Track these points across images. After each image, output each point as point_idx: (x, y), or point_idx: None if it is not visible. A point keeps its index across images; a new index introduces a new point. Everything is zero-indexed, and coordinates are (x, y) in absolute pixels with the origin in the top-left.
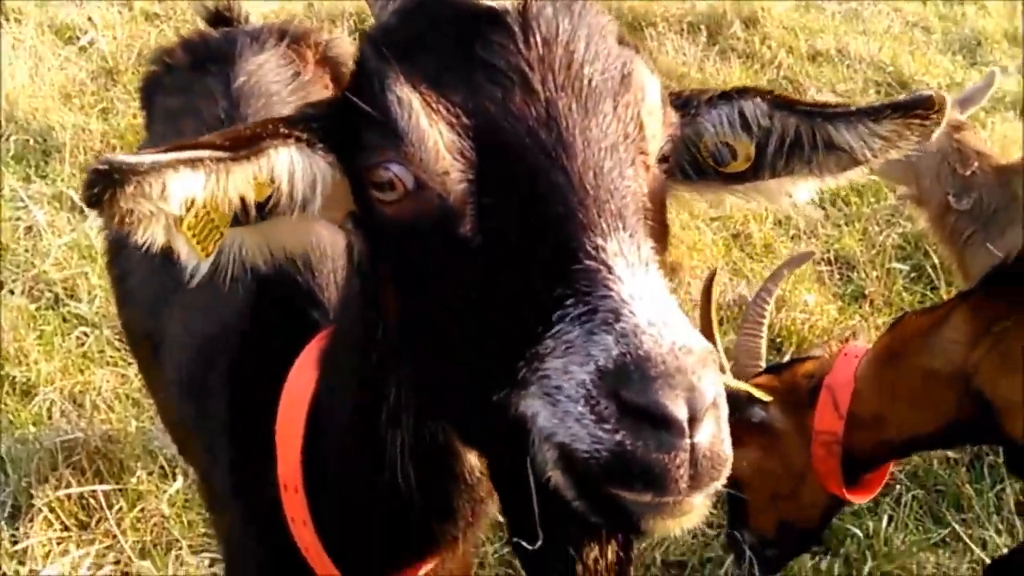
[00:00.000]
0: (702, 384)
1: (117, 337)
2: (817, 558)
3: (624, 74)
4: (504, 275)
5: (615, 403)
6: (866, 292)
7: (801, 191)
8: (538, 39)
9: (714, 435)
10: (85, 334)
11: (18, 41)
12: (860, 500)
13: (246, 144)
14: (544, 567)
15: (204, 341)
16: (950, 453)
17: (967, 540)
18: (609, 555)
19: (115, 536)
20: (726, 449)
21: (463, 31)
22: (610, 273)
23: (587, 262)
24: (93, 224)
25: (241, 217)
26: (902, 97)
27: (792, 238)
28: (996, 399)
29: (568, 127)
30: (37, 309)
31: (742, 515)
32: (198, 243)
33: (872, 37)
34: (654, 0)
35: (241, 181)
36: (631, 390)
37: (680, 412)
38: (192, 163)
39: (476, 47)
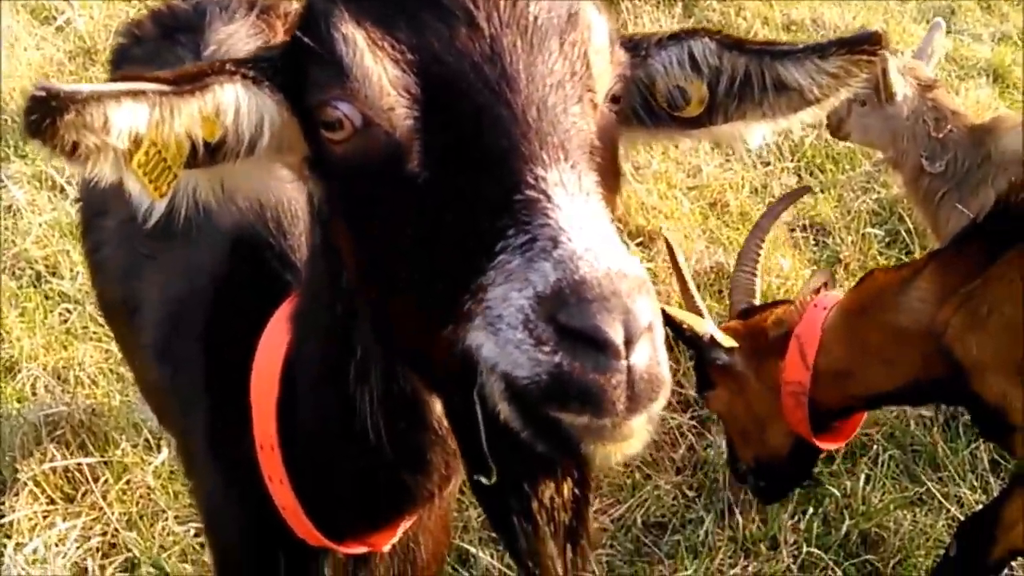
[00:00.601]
0: (636, 307)
1: (100, 313)
2: (796, 517)
3: (571, 13)
4: (449, 209)
5: (553, 327)
6: (841, 257)
7: (754, 134)
8: None
9: (651, 357)
10: (68, 311)
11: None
12: (830, 447)
13: (191, 80)
14: (501, 505)
15: (179, 304)
16: (925, 412)
17: (942, 499)
18: (565, 493)
19: (101, 508)
20: (663, 372)
21: None
22: (549, 202)
23: (527, 192)
24: (74, 203)
25: (190, 159)
26: (847, 35)
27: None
28: (964, 359)
29: (512, 63)
30: (19, 287)
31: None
32: (150, 182)
33: (847, 7)
34: None
35: (187, 117)
36: (568, 313)
37: (616, 334)
38: (134, 95)
39: None
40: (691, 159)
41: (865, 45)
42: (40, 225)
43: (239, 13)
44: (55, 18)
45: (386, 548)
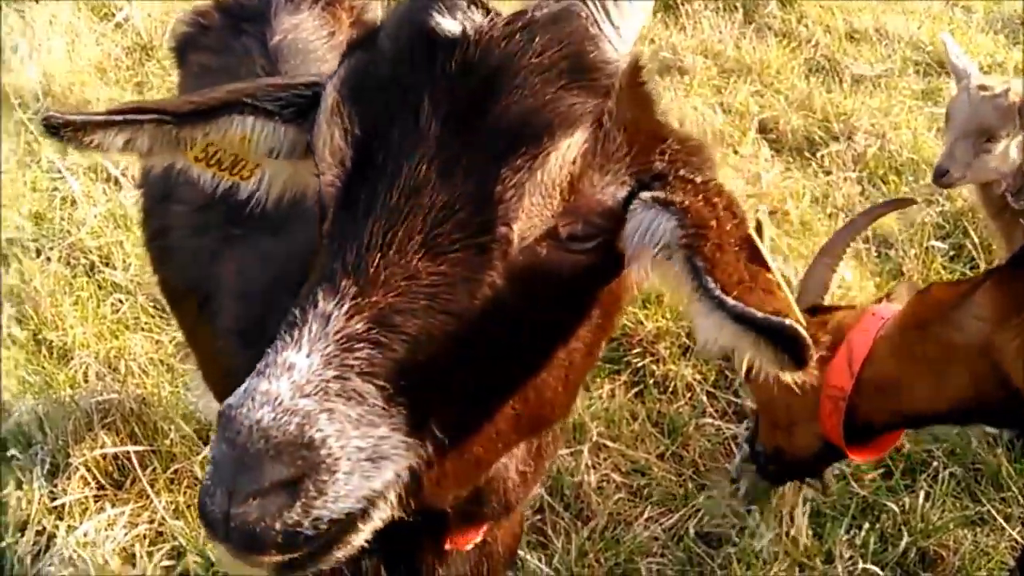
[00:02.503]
0: (258, 469)
1: (151, 304)
2: (852, 532)
3: (535, 133)
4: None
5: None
6: (904, 270)
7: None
8: (455, 68)
9: (262, 517)
10: (120, 301)
11: (55, 18)
12: (860, 459)
13: (202, 114)
14: None
15: (267, 288)
16: (988, 430)
17: (1004, 520)
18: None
19: (149, 496)
20: (283, 535)
21: (409, 48)
22: (299, 330)
23: (296, 310)
24: (128, 195)
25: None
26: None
27: (830, 216)
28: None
29: (411, 167)
30: (74, 276)
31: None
32: (222, 170)
33: (911, 16)
34: None
35: (199, 139)
36: (215, 439)
37: (220, 478)
38: (130, 124)
39: (401, 66)
40: (751, 166)
41: (776, 336)
42: (95, 216)
43: (305, 4)
44: (114, 15)
45: (468, 547)
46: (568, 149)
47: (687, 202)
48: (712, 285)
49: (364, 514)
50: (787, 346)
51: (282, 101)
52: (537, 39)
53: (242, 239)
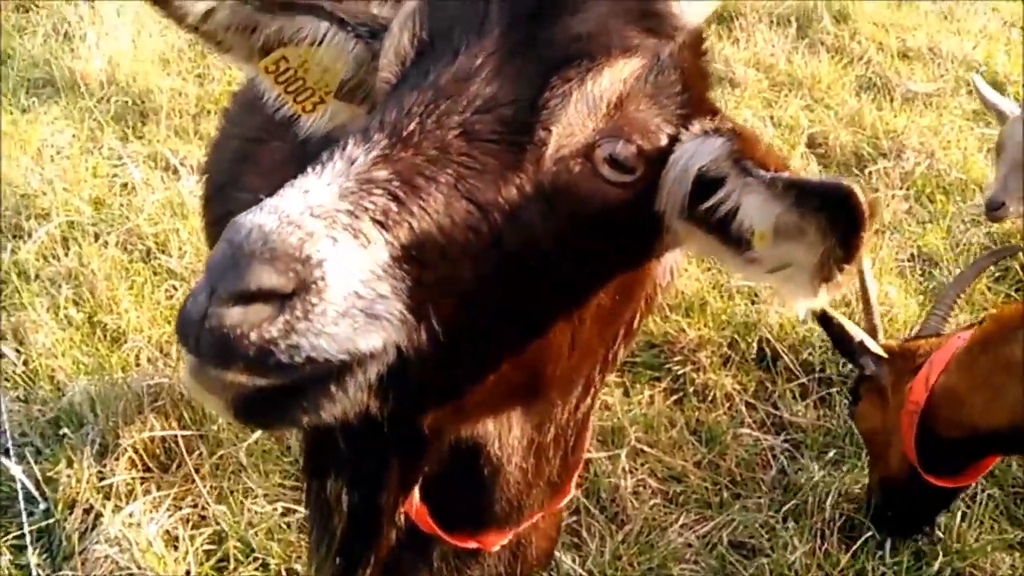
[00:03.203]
0: (248, 268)
1: None
2: (887, 549)
3: (591, 51)
4: None
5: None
6: None
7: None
8: None
9: (240, 324)
10: (174, 287)
11: (122, 8)
12: (939, 483)
13: (278, 5)
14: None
15: None
16: None
17: None
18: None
19: (193, 480)
20: (255, 348)
21: None
22: (322, 165)
23: (326, 153)
24: (186, 184)
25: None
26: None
27: (876, 232)
28: None
29: (468, 58)
30: (130, 261)
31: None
32: (288, 93)
33: (966, 36)
34: None
35: (274, 31)
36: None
37: (210, 273)
38: None
39: None
40: None
41: (828, 198)
42: (153, 203)
43: None
44: None
45: (495, 548)
46: (623, 68)
47: (737, 130)
48: (763, 172)
49: (340, 377)
50: (843, 203)
51: (359, 19)
52: None
53: None
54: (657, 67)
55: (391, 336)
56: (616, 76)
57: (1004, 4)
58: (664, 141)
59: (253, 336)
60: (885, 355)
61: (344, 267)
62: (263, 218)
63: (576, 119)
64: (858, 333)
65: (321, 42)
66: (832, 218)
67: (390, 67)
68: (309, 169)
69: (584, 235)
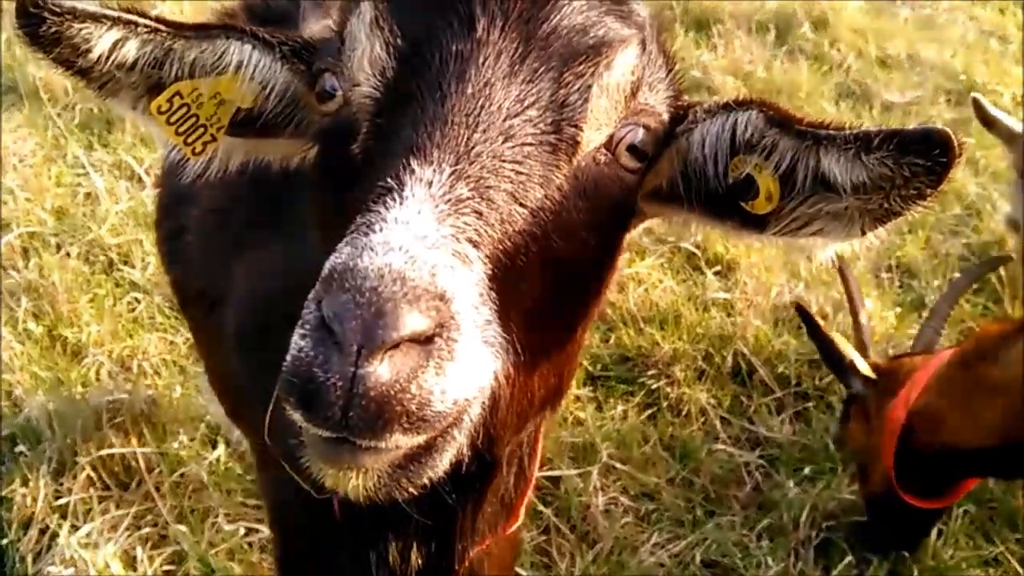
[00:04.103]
0: (394, 312)
1: (167, 304)
2: (861, 565)
3: (592, 44)
4: (353, 177)
5: (317, 310)
6: (926, 301)
7: (815, 251)
8: None
9: (399, 376)
10: (137, 300)
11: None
12: (915, 502)
13: (194, 29)
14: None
15: (271, 295)
16: None
17: (1018, 563)
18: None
19: (153, 499)
20: (417, 399)
21: None
22: (399, 194)
23: (390, 179)
24: (151, 193)
25: (237, 129)
26: (908, 128)
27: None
28: None
29: (478, 68)
30: (92, 273)
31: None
32: (179, 135)
33: (945, 44)
34: None
35: (188, 63)
36: (327, 300)
37: (347, 331)
38: (123, 23)
39: None
40: None
41: (922, 146)
42: (116, 213)
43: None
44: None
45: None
46: (627, 58)
47: (762, 100)
48: (834, 131)
49: (459, 420)
50: (943, 145)
51: (281, 38)
52: None
53: (256, 246)
54: (647, 54)
55: (495, 363)
56: (626, 66)
57: (983, 13)
58: (667, 125)
59: (413, 389)
60: (873, 376)
61: (466, 297)
62: (388, 258)
63: (601, 113)
64: (849, 352)
65: (245, 67)
66: (929, 160)
67: (368, 80)
68: (385, 201)
69: (608, 224)
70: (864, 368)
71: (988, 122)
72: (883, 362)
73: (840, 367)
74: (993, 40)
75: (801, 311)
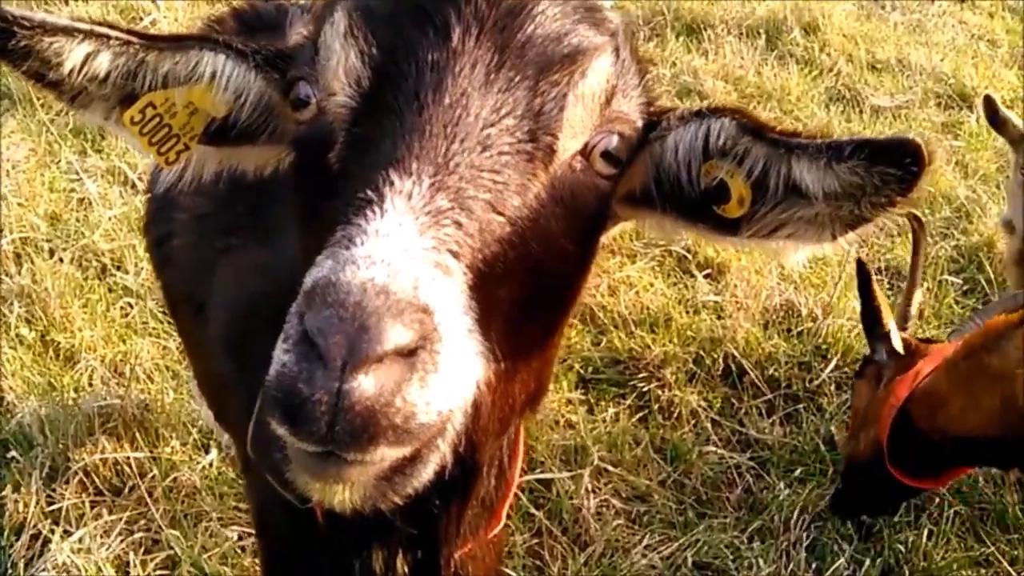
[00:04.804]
0: (378, 326)
1: (160, 309)
2: (852, 567)
3: (567, 53)
4: (328, 189)
5: (300, 325)
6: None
7: (786, 255)
8: None
9: (383, 389)
10: (129, 305)
11: (80, 19)
12: (899, 476)
13: (167, 40)
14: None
15: (256, 300)
16: (996, 470)
17: (1009, 564)
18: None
19: (146, 504)
20: (402, 412)
21: None
22: (379, 206)
23: (369, 191)
24: (143, 198)
25: (211, 137)
26: (879, 137)
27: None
28: None
29: (454, 77)
30: (85, 278)
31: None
32: (152, 145)
33: (935, 48)
34: (713, 2)
35: (161, 74)
36: (310, 314)
37: (331, 346)
38: (95, 36)
39: None
40: None
41: (893, 155)
42: (110, 219)
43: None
44: (142, 18)
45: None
46: (601, 65)
47: (736, 108)
48: (805, 140)
49: (442, 430)
50: (913, 155)
51: (254, 47)
52: None
53: (237, 249)
54: (620, 62)
55: (478, 371)
56: (600, 74)
57: (972, 17)
58: (640, 131)
59: (398, 402)
60: (901, 351)
61: (448, 308)
62: (371, 272)
63: (577, 121)
64: (889, 323)
65: (219, 77)
66: (900, 169)
67: (344, 90)
68: (365, 213)
69: (584, 229)
70: (897, 342)
71: (997, 121)
72: (909, 338)
73: (873, 331)
74: (982, 44)
75: (861, 267)
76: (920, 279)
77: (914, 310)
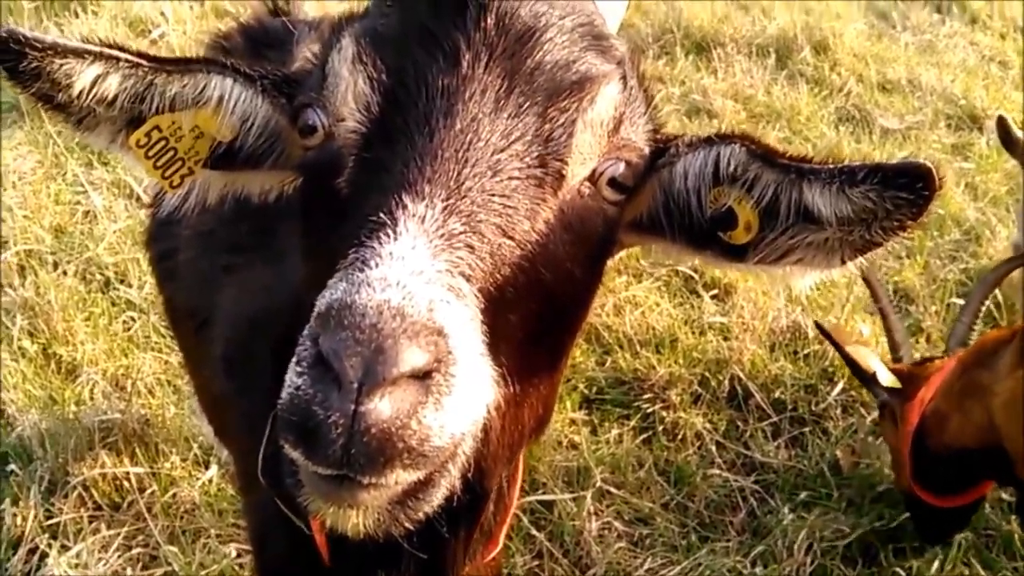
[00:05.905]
0: (394, 348)
1: (163, 324)
2: None
3: (576, 80)
4: (340, 212)
5: (314, 347)
6: (923, 327)
7: (795, 281)
8: (490, 23)
9: (399, 412)
10: (132, 319)
11: (92, 32)
12: (930, 499)
13: (175, 63)
14: None
15: (257, 319)
16: (1004, 496)
17: None
18: None
19: (145, 520)
20: (418, 435)
21: (433, 7)
22: (392, 228)
23: (382, 215)
24: (148, 212)
25: (215, 161)
26: (891, 162)
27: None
28: (1006, 438)
29: (465, 101)
30: (88, 292)
31: None
32: (157, 168)
33: (945, 69)
34: (723, 20)
35: (169, 96)
36: (324, 336)
37: (347, 368)
38: (105, 58)
39: (431, 20)
40: None
41: (906, 180)
42: (114, 232)
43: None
44: (150, 31)
45: None
46: (609, 93)
47: (743, 134)
48: (818, 166)
49: (454, 454)
50: (924, 179)
51: (261, 72)
52: (557, 4)
53: (240, 267)
54: (628, 89)
55: (489, 396)
56: (608, 101)
57: (983, 38)
58: (647, 159)
59: (414, 424)
60: (896, 385)
61: (461, 331)
62: (386, 294)
63: (585, 147)
64: (871, 364)
65: (226, 100)
66: (912, 193)
67: (352, 115)
68: (379, 236)
69: (592, 254)
70: (885, 379)
71: (1010, 143)
72: (901, 366)
73: (864, 379)
74: (993, 65)
75: (821, 329)
76: (890, 308)
77: (900, 338)
